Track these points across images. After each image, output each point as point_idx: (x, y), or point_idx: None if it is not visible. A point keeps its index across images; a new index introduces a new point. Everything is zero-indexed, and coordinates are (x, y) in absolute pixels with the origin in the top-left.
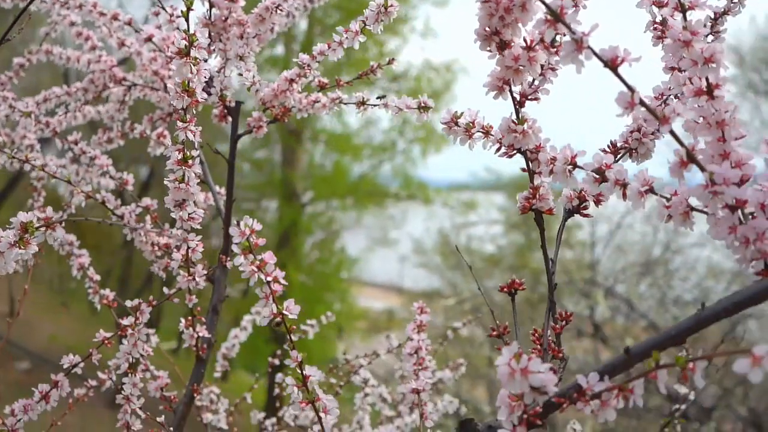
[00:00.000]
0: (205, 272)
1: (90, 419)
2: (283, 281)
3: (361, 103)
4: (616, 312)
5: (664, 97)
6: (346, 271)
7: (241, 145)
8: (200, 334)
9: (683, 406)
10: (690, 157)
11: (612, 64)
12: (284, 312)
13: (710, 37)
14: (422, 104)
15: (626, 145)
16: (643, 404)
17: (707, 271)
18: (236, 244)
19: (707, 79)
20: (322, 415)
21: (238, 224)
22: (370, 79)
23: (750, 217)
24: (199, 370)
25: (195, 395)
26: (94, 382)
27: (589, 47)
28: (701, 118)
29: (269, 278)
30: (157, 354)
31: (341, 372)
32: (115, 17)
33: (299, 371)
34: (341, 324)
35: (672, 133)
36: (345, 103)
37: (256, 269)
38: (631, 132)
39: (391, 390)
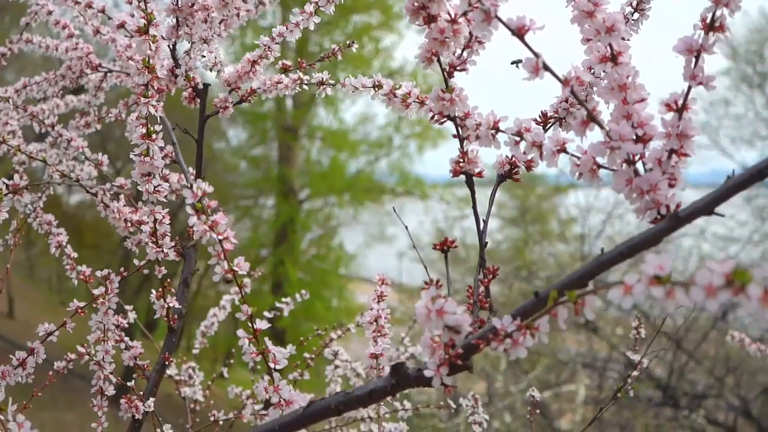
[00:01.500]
0: (173, 244)
1: (90, 418)
2: (234, 240)
3: (321, 83)
4: (609, 304)
5: (592, 70)
6: (343, 267)
7: (238, 142)
8: (171, 305)
9: (635, 373)
10: (591, 117)
11: (519, 32)
12: (235, 268)
13: (636, 15)
14: (376, 83)
15: (555, 115)
16: (634, 395)
17: (699, 262)
18: (189, 205)
19: (611, 46)
20: (271, 365)
21: (191, 187)
22: (364, 73)
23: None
24: (170, 339)
25: (167, 363)
26: (72, 356)
27: (496, 17)
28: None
29: (221, 237)
30: (153, 352)
31: (313, 347)
32: (89, 5)
33: (250, 325)
34: (340, 320)
35: (574, 95)
36: (306, 84)
37: (208, 229)
38: (560, 102)
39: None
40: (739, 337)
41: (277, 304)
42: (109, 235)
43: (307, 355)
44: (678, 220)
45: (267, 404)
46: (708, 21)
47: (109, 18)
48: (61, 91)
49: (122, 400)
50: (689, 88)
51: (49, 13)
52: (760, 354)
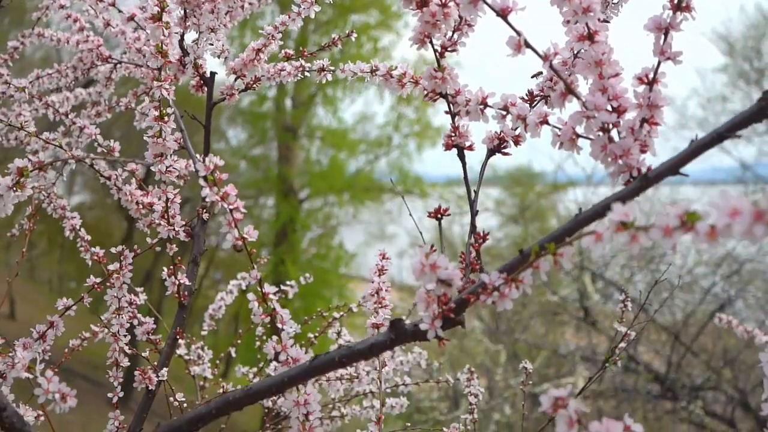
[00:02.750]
0: (184, 223)
1: (92, 418)
2: (243, 210)
3: (321, 70)
4: (608, 298)
5: (575, 51)
6: (344, 266)
7: (237, 142)
8: (181, 282)
9: (623, 344)
10: (568, 89)
11: (503, 13)
12: (245, 236)
13: None
14: (373, 68)
15: (541, 93)
16: (633, 387)
17: (697, 258)
18: (202, 177)
19: (587, 26)
20: (279, 325)
21: (204, 160)
22: (364, 78)
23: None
24: (181, 315)
25: (177, 338)
26: (87, 334)
27: None
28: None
29: (232, 207)
30: (162, 332)
31: (317, 326)
32: None
33: (259, 289)
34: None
35: (553, 69)
36: (308, 71)
37: (220, 199)
38: (545, 81)
39: None
40: (726, 320)
41: (282, 287)
42: (108, 236)
43: (311, 334)
44: (647, 181)
45: None
46: (676, 1)
47: (120, 11)
48: (72, 83)
49: (136, 372)
50: (659, 62)
51: (61, 6)
52: (747, 336)
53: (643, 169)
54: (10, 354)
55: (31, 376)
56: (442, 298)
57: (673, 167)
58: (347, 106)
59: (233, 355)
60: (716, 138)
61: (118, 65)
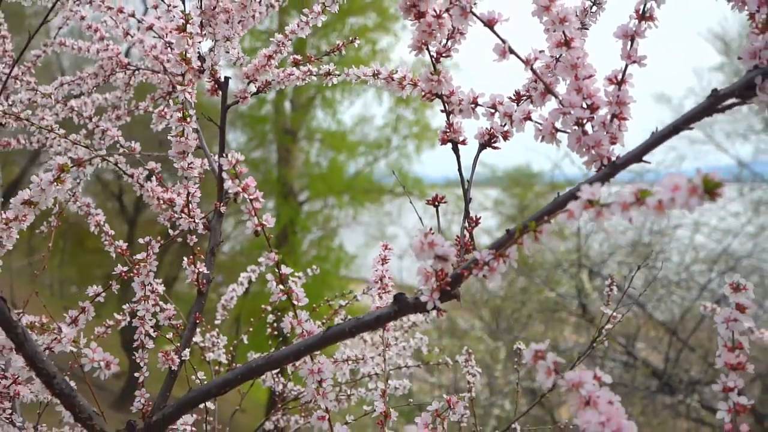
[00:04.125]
0: (203, 216)
1: None
2: (261, 199)
3: (327, 74)
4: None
5: (555, 56)
6: (344, 268)
7: (237, 145)
8: (200, 270)
9: (610, 326)
10: (547, 89)
11: (490, 23)
12: (264, 222)
13: (594, 8)
14: (375, 72)
15: (527, 94)
16: (631, 382)
17: (694, 255)
18: (224, 170)
19: (564, 33)
20: (295, 302)
21: (227, 155)
22: (366, 82)
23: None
24: (200, 301)
25: (197, 322)
26: (111, 322)
27: (471, 12)
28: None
29: (251, 197)
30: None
31: (324, 315)
32: (120, 10)
33: (276, 270)
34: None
35: (533, 71)
36: (315, 75)
37: (241, 190)
38: (530, 83)
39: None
40: (710, 308)
41: (291, 279)
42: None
43: (318, 322)
44: (615, 167)
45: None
46: (640, 11)
47: (139, 21)
48: (93, 89)
49: (159, 354)
50: (626, 65)
51: (82, 18)
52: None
53: (613, 158)
54: (55, 330)
55: (75, 350)
56: (440, 274)
57: (637, 155)
58: (346, 109)
59: (245, 341)
60: (673, 130)
61: (137, 71)
